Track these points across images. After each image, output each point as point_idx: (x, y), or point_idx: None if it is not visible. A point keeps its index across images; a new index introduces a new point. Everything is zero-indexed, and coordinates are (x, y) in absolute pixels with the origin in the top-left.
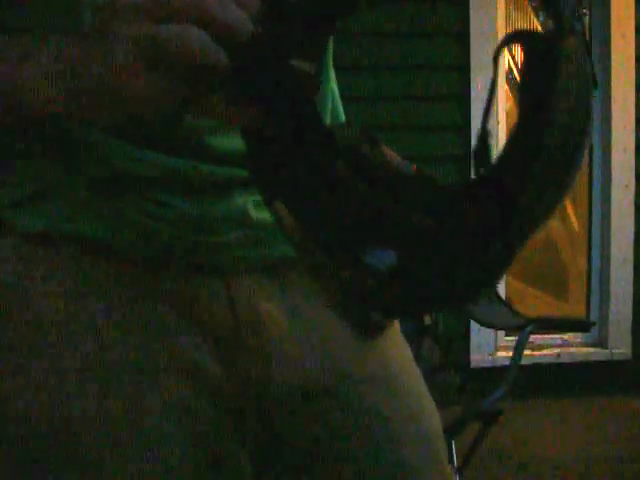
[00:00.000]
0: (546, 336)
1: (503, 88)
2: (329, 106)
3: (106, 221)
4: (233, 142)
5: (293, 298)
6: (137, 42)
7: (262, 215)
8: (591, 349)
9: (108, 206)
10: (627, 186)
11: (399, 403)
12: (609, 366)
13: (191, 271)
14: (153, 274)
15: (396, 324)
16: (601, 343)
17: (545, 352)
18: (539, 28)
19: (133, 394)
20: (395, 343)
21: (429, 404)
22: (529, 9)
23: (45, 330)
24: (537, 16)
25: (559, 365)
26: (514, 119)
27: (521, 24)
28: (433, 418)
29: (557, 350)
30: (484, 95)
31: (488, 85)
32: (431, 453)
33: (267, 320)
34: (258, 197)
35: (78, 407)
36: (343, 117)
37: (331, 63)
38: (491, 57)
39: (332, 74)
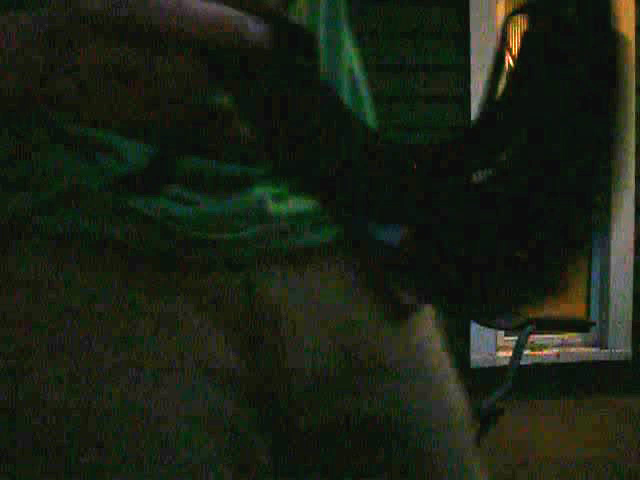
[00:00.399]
0: (546, 336)
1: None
2: (344, 85)
3: (124, 221)
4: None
5: (315, 286)
6: (108, 69)
7: (282, 208)
8: (591, 349)
9: (126, 205)
10: (627, 186)
11: (424, 392)
12: (609, 366)
13: (209, 266)
14: (172, 271)
15: (430, 315)
16: (601, 343)
17: (545, 352)
18: None
19: (153, 390)
20: (426, 332)
21: (457, 394)
22: None
23: (70, 326)
24: None
25: (559, 365)
26: None
27: (521, 24)
28: (459, 408)
29: (557, 350)
30: None
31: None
32: (457, 444)
33: (286, 310)
34: (278, 190)
35: (100, 401)
36: (366, 101)
37: (348, 41)
38: (491, 58)
39: (351, 53)
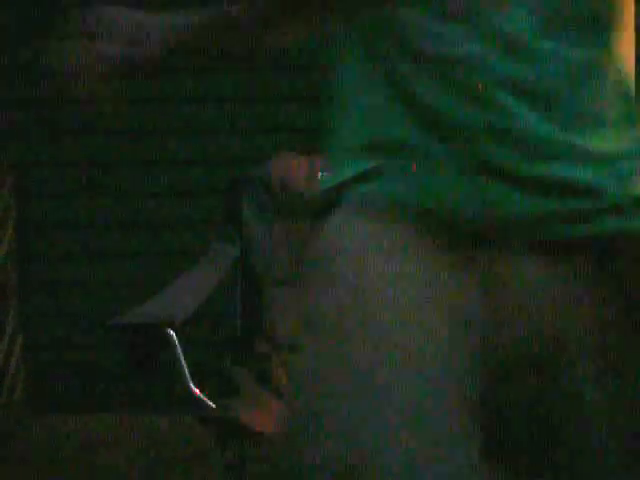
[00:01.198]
0: None
1: None
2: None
3: (440, 196)
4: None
5: (570, 282)
6: None
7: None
8: None
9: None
10: None
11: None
12: None
13: (483, 242)
14: (457, 246)
15: None
16: None
17: None
18: None
19: (420, 358)
20: None
21: None
22: None
23: (371, 297)
24: None
25: None
26: None
27: None
28: None
29: None
30: None
31: None
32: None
33: (530, 291)
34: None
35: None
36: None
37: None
38: None
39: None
